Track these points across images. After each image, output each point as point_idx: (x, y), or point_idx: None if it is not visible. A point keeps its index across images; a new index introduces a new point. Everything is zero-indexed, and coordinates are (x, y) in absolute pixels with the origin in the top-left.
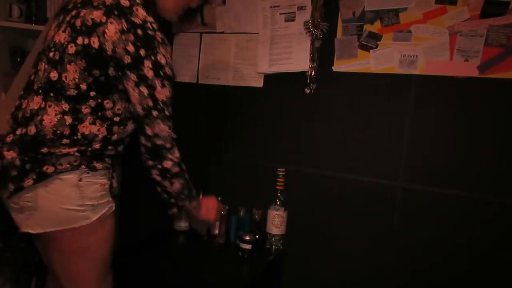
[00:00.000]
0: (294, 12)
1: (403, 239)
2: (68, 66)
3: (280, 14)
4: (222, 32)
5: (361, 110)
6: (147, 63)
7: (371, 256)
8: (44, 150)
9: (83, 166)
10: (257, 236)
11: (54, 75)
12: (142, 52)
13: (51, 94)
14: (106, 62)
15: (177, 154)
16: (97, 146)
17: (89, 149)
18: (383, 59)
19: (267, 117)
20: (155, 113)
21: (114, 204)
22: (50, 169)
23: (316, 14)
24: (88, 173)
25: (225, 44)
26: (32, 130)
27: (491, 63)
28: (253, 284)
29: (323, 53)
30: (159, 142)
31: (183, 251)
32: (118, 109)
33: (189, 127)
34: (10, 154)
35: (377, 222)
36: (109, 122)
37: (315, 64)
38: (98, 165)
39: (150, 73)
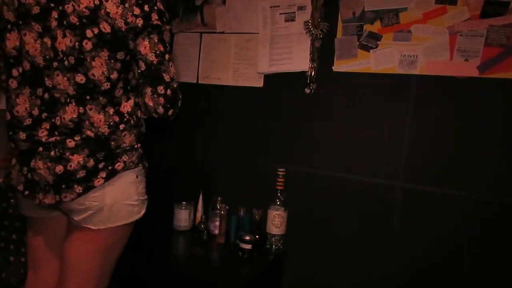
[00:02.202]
0: (294, 12)
1: (403, 239)
2: (93, 63)
3: (280, 14)
4: (222, 32)
5: (361, 110)
6: (154, 16)
7: (371, 256)
8: (112, 144)
9: (140, 165)
10: (257, 236)
11: (80, 78)
12: (146, 7)
13: (87, 97)
14: (125, 39)
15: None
16: (142, 123)
17: (141, 130)
18: (383, 59)
19: (267, 117)
20: (167, 56)
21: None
22: (120, 166)
23: (316, 14)
24: (141, 170)
25: (225, 44)
26: (90, 133)
27: (491, 63)
28: (253, 284)
29: (323, 53)
30: (175, 84)
31: (183, 251)
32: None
33: (189, 127)
34: (77, 158)
35: (377, 222)
36: (135, 91)
37: (315, 64)
38: (146, 164)
39: (158, 22)
